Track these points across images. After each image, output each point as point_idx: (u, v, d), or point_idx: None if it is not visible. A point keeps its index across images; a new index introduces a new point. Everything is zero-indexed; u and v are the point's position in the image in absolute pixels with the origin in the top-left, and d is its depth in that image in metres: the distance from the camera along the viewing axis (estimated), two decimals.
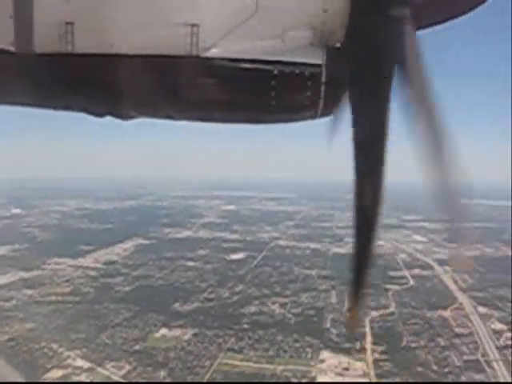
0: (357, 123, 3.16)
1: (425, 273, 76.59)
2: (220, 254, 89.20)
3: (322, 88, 3.28)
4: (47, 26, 3.07)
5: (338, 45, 3.32)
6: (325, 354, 49.18)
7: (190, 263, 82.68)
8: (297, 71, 3.24)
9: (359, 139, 3.17)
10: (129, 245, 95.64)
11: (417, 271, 76.08)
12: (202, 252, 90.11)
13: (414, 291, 66.85)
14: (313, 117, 3.50)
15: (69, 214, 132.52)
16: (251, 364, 47.43)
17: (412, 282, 70.71)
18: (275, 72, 3.22)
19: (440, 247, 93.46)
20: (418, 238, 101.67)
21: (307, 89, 3.27)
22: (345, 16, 3.12)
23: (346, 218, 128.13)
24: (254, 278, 74.29)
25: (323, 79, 3.26)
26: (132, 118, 3.70)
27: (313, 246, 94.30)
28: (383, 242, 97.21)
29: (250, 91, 3.31)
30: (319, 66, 3.25)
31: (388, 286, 69.03)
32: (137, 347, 51.35)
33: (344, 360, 47.86)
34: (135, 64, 3.18)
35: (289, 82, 3.25)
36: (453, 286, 69.75)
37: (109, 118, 3.62)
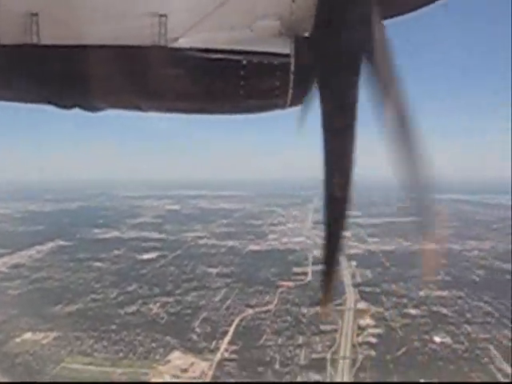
0: (326, 111, 3.17)
1: None
2: (134, 254, 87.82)
3: (291, 77, 3.23)
4: (11, 17, 2.94)
5: (307, 34, 3.27)
6: (175, 354, 47.81)
7: (98, 264, 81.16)
8: (265, 61, 3.19)
9: (328, 127, 3.18)
10: (46, 247, 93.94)
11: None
12: (116, 252, 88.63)
13: (305, 288, 65.36)
14: (282, 106, 3.42)
15: (7, 216, 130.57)
16: (92, 368, 46.03)
17: (309, 279, 69.24)
18: (244, 62, 3.16)
19: (360, 242, 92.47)
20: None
21: (276, 78, 3.22)
22: (313, 5, 3.07)
23: (285, 214, 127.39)
24: (152, 278, 72.93)
25: (292, 69, 3.21)
26: (100, 109, 3.54)
27: (231, 243, 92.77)
28: (303, 238, 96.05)
29: (219, 81, 3.24)
30: (288, 55, 3.20)
31: (282, 283, 67.78)
32: None
33: (190, 361, 46.55)
34: (102, 55, 3.06)
35: (258, 71, 3.19)
36: (349, 282, 68.58)
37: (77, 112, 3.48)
